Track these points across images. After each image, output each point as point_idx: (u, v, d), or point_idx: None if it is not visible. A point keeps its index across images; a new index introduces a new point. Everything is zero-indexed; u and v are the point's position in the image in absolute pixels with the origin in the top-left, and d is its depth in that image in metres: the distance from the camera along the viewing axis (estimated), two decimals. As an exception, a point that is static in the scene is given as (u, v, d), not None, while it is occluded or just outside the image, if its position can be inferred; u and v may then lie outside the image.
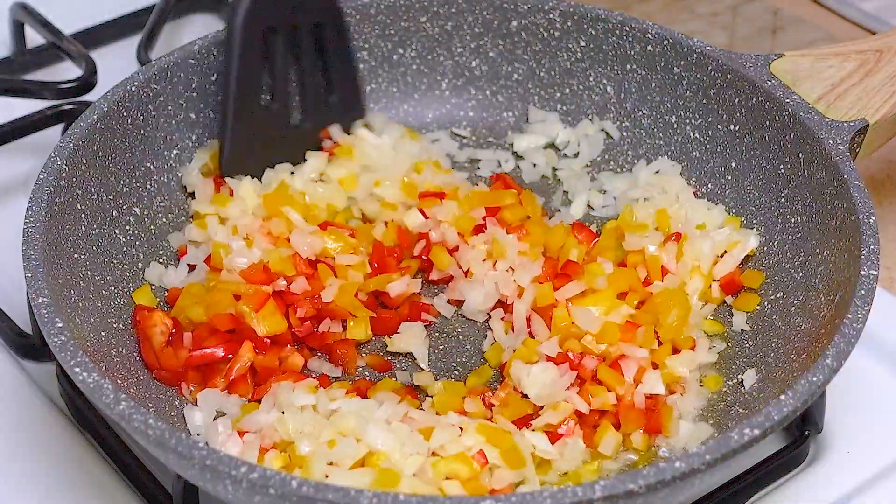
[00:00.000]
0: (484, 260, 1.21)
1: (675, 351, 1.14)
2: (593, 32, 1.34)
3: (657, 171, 1.30)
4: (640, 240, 1.20)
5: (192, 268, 1.23)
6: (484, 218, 1.23)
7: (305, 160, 1.28)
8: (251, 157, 1.27)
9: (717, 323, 1.19)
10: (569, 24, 1.34)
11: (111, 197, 1.22)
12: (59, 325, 1.02)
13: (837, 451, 1.14)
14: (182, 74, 1.28)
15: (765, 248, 1.23)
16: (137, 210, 1.25)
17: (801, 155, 1.21)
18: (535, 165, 1.35)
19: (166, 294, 1.22)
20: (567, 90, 1.37)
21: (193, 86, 1.29)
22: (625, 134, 1.35)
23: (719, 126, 1.29)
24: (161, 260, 1.24)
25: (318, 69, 1.29)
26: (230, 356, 1.13)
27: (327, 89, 1.30)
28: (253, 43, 1.24)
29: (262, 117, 1.27)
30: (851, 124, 1.19)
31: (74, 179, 1.17)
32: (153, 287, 1.22)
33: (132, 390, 1.11)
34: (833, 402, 1.14)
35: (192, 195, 1.28)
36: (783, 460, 1.11)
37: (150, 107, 1.26)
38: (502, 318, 1.19)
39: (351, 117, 1.32)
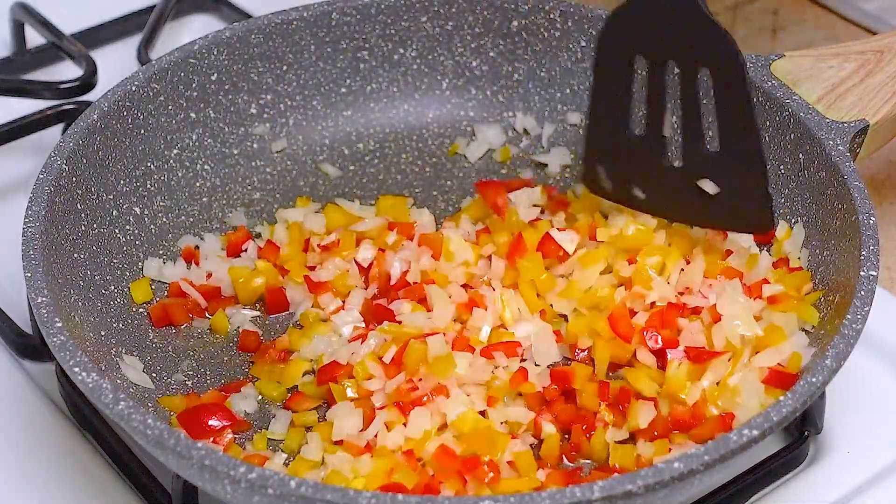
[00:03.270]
0: None
1: None
2: (594, 32, 1.34)
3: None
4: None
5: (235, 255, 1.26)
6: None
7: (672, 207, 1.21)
8: (612, 182, 1.22)
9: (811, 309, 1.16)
10: (569, 24, 1.34)
11: (111, 197, 1.22)
12: (59, 324, 1.02)
13: (837, 451, 1.14)
14: (182, 74, 1.28)
15: (765, 249, 1.24)
16: (137, 210, 1.25)
17: (801, 155, 1.21)
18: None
19: (167, 288, 1.23)
20: (567, 90, 1.37)
21: (193, 86, 1.29)
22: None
23: (720, 126, 1.29)
24: (162, 259, 1.24)
25: (701, 115, 1.17)
26: None
27: (717, 142, 1.16)
28: (614, 65, 1.18)
29: (627, 146, 1.20)
30: (852, 125, 1.19)
31: (74, 179, 1.17)
32: (152, 281, 1.22)
33: (131, 390, 1.11)
34: (833, 402, 1.14)
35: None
36: (783, 460, 1.11)
37: (150, 107, 1.26)
38: None
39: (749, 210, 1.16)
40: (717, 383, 1.10)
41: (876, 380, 1.20)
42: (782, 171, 1.23)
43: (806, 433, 1.13)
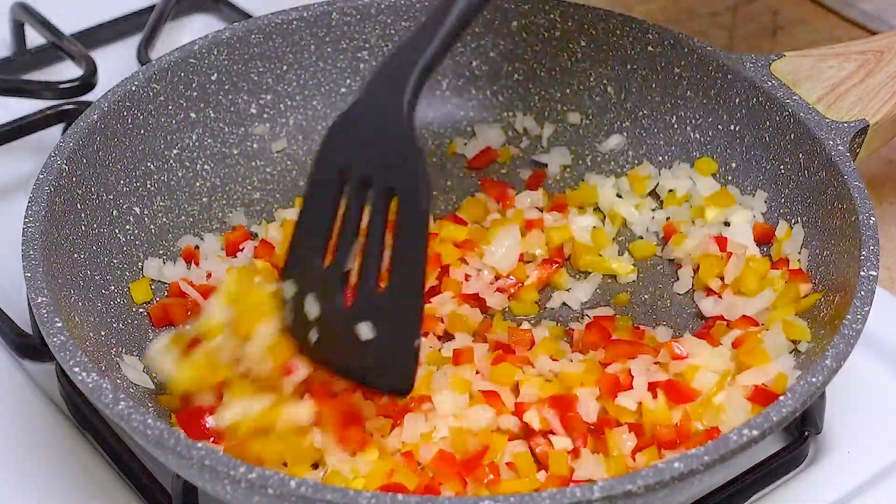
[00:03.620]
0: None
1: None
2: (594, 32, 1.34)
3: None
4: None
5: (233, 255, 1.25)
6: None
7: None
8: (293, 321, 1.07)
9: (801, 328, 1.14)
10: (569, 24, 1.34)
11: (111, 197, 1.22)
12: (59, 324, 1.02)
13: (837, 452, 1.14)
14: (182, 74, 1.28)
15: (765, 250, 1.23)
16: (137, 210, 1.25)
17: (801, 155, 1.21)
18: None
19: (167, 288, 1.22)
20: (567, 90, 1.37)
21: (193, 86, 1.29)
22: (625, 135, 1.35)
23: (719, 126, 1.29)
24: (162, 259, 1.24)
25: (382, 250, 1.03)
26: None
27: (388, 281, 1.03)
28: (323, 179, 1.05)
29: (314, 276, 1.05)
30: (852, 125, 1.19)
31: (74, 179, 1.17)
32: (152, 281, 1.22)
33: (131, 390, 1.11)
34: (833, 402, 1.14)
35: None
36: (783, 460, 1.11)
37: (150, 107, 1.26)
38: None
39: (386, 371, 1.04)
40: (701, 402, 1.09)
41: (876, 380, 1.20)
42: (782, 171, 1.23)
43: (806, 433, 1.13)
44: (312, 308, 1.05)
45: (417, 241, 1.01)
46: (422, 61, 1.02)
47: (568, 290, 1.24)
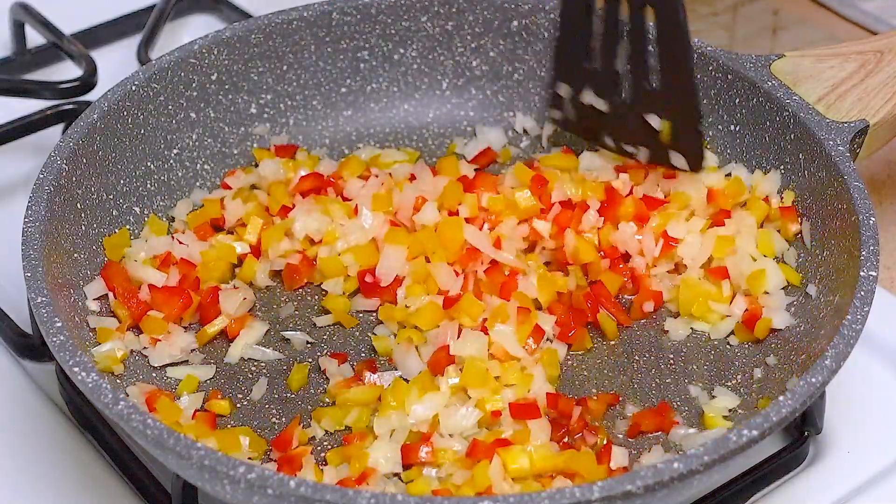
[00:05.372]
0: None
1: None
2: (594, 32, 1.34)
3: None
4: None
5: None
6: None
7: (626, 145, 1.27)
8: (576, 116, 1.30)
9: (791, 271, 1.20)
10: (570, 23, 1.35)
11: (111, 197, 1.22)
12: (59, 324, 1.02)
13: (837, 452, 1.14)
14: (182, 74, 1.28)
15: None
16: (137, 210, 1.25)
17: (801, 155, 1.21)
18: None
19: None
20: (568, 90, 1.37)
21: (193, 85, 1.29)
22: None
23: (720, 126, 1.29)
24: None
25: (645, 53, 1.23)
26: None
27: (657, 80, 1.23)
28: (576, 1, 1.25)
29: (587, 79, 1.27)
30: (852, 125, 1.19)
31: (74, 179, 1.17)
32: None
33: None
34: (833, 402, 1.14)
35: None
36: (783, 461, 1.11)
37: (150, 107, 1.26)
38: None
39: (683, 125, 1.23)
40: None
41: (876, 380, 1.20)
42: (782, 172, 1.23)
43: (806, 433, 1.13)
44: (598, 103, 1.26)
45: (682, 40, 1.19)
46: None
47: None
